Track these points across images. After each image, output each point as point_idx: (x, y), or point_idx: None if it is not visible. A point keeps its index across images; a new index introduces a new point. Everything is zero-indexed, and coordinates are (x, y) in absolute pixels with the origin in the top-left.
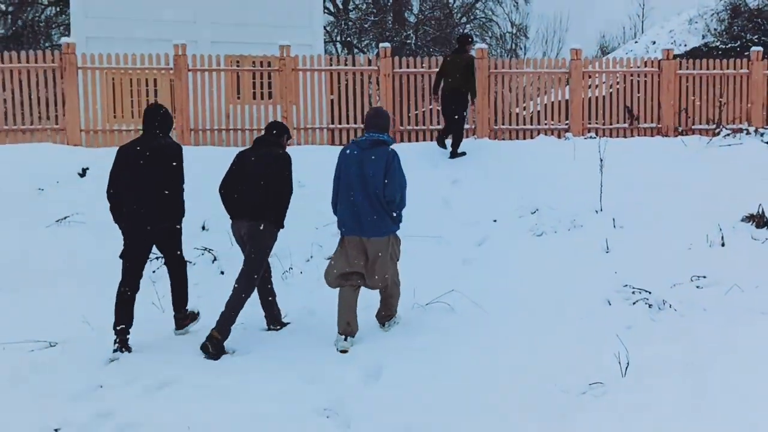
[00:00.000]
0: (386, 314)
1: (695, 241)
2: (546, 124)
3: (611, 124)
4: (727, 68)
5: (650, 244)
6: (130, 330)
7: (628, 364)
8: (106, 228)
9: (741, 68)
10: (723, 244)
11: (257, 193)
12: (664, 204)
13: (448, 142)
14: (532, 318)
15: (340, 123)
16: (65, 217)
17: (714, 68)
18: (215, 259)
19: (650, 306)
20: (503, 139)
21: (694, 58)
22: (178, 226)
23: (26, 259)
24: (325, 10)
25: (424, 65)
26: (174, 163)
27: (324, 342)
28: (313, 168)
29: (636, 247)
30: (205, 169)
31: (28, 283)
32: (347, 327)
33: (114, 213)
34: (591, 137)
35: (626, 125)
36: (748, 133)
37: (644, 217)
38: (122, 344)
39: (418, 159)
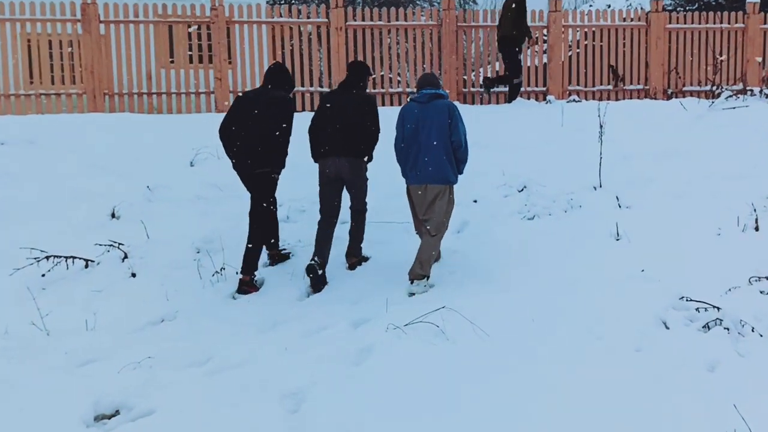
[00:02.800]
0: (421, 272)
1: (723, 224)
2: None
3: (594, 85)
4: (722, 22)
5: (668, 229)
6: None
7: None
8: None
9: (737, 22)
10: (757, 228)
11: (352, 133)
12: (674, 178)
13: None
14: (557, 351)
15: None
16: None
17: (708, 22)
18: (126, 257)
19: (728, 330)
20: (473, 103)
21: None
22: (274, 176)
23: None
24: None
25: (382, 18)
26: (281, 115)
27: (264, 398)
28: None
29: (652, 234)
30: (117, 139)
31: None
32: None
33: (226, 151)
34: (574, 100)
35: (610, 87)
36: (752, 93)
37: (653, 195)
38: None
39: None
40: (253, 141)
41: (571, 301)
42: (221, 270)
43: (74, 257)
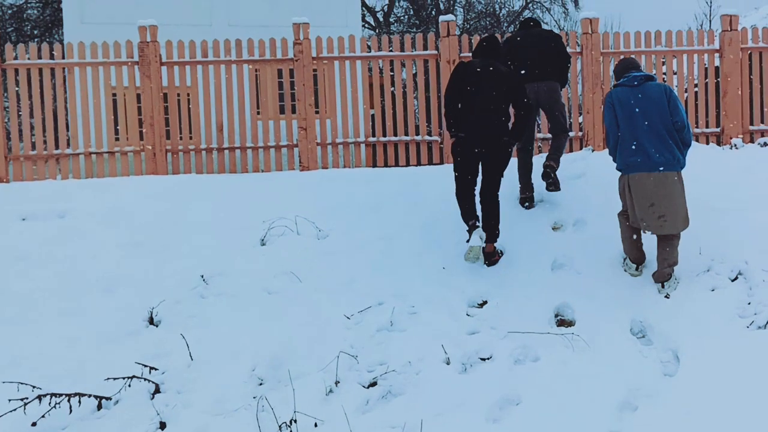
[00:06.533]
0: (667, 269)
1: None
2: None
3: None
4: None
5: None
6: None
7: None
8: None
9: None
10: None
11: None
12: None
13: None
14: None
15: (384, 135)
16: None
17: None
18: (157, 391)
19: None
20: None
21: None
22: (512, 146)
23: None
24: (365, 25)
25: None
26: (516, 86)
27: None
28: (339, 206)
29: None
30: (171, 209)
31: None
32: (639, 254)
33: (455, 126)
34: (766, 143)
35: None
36: None
37: None
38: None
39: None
40: (490, 109)
41: None
42: (291, 423)
43: (81, 395)
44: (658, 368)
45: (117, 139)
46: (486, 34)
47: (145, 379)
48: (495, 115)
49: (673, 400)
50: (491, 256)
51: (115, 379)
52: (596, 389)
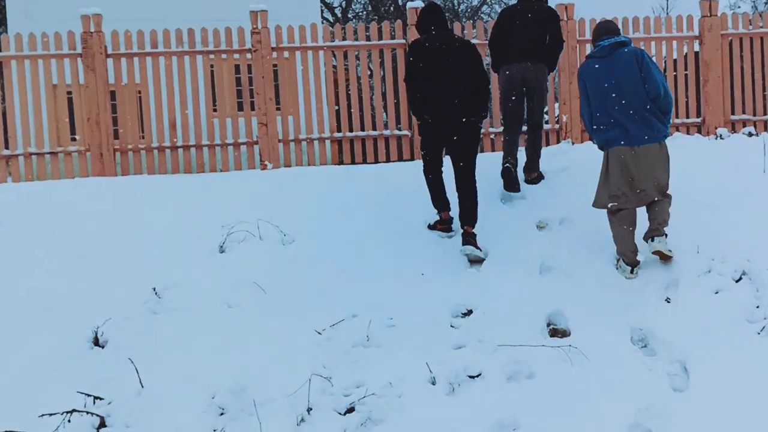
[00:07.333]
0: (659, 227)
1: None
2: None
3: (766, 113)
4: None
5: None
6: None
7: None
8: None
9: None
10: None
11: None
12: None
13: None
14: None
15: (351, 130)
16: None
17: None
18: (102, 426)
19: None
20: None
21: None
22: (480, 125)
23: None
24: (324, 21)
25: (475, 32)
26: (475, 56)
27: None
28: (305, 208)
29: None
30: (118, 214)
31: None
32: (633, 255)
33: (419, 109)
34: (750, 133)
35: None
36: None
37: None
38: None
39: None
40: (455, 87)
41: None
42: None
43: None
44: (666, 382)
45: (59, 139)
46: (426, 4)
47: (87, 413)
48: (461, 94)
49: (688, 419)
50: (469, 237)
51: (51, 414)
52: (601, 409)
